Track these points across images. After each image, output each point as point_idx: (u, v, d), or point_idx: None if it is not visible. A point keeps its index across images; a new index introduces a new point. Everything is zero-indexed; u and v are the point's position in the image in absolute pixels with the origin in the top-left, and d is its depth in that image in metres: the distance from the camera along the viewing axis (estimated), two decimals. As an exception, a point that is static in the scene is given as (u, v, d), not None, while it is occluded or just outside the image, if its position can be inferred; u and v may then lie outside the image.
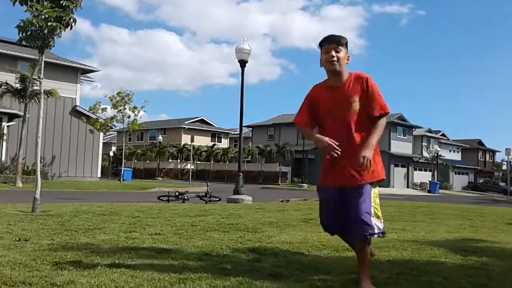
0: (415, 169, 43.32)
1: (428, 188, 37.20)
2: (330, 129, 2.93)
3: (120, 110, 26.86)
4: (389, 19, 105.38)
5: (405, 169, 41.70)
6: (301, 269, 3.23)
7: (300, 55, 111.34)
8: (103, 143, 30.57)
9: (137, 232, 5.06)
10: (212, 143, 50.74)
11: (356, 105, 2.88)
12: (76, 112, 25.93)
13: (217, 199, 12.20)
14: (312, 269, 3.24)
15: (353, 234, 2.87)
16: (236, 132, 45.78)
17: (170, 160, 47.58)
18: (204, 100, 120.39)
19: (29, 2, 7.27)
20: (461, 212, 10.23)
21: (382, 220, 2.93)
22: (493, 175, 60.34)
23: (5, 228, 5.03)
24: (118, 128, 30.24)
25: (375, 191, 2.91)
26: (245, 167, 37.33)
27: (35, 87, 18.92)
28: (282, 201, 12.42)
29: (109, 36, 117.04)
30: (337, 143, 2.79)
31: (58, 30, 7.37)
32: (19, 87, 19.91)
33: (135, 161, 48.37)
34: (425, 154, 43.92)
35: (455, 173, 50.49)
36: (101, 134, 27.52)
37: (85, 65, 27.31)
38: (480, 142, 60.81)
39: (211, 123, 54.54)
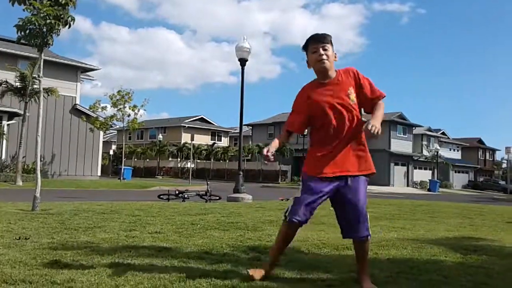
0: (415, 168, 43.33)
1: (428, 187, 37.16)
2: (323, 124, 2.85)
3: (120, 108, 26.85)
4: (390, 17, 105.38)
5: (405, 168, 41.71)
6: (301, 268, 3.23)
7: (301, 54, 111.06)
8: (103, 141, 30.55)
9: (137, 230, 5.06)
10: (212, 141, 50.70)
11: (353, 96, 2.86)
12: (76, 111, 25.93)
13: (217, 197, 12.20)
14: (312, 268, 3.25)
15: (358, 234, 2.80)
16: (236, 131, 45.74)
17: (170, 159, 47.58)
18: (204, 99, 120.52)
19: (27, 1, 7.26)
20: (461, 210, 10.24)
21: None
22: (493, 174, 60.35)
23: (5, 227, 5.03)
24: (118, 126, 30.20)
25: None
26: (245, 165, 37.31)
27: (35, 86, 18.91)
28: (282, 200, 12.41)
29: (109, 34, 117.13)
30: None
31: (57, 28, 7.36)
32: (19, 86, 19.90)
33: (135, 159, 48.36)
34: (425, 152, 43.92)
35: (455, 172, 50.49)
36: (101, 132, 27.51)
37: (85, 64, 27.30)
38: (480, 141, 60.79)
39: (211, 122, 54.51)
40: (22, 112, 19.82)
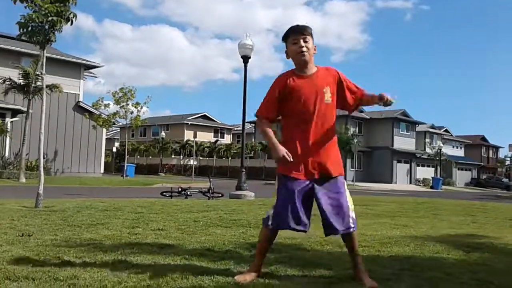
0: (418, 165, 43.26)
1: (431, 184, 37.12)
2: (299, 119, 2.80)
3: (123, 106, 26.91)
4: (393, 14, 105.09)
5: (408, 165, 41.64)
6: (303, 265, 3.23)
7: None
8: (106, 139, 30.62)
9: (140, 227, 5.08)
10: (215, 139, 50.70)
11: (329, 96, 2.84)
12: (79, 108, 25.97)
13: (220, 195, 12.20)
14: (314, 265, 3.24)
15: (338, 228, 2.76)
16: (239, 128, 45.67)
17: (173, 156, 47.66)
18: (207, 96, 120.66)
19: (28, -1, 7.27)
20: (464, 208, 10.22)
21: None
22: (496, 171, 60.20)
23: (8, 224, 5.05)
24: (121, 124, 30.31)
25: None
26: (248, 163, 37.33)
27: (38, 83, 18.95)
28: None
29: (112, 31, 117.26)
30: (299, 153, 2.76)
31: (59, 25, 7.36)
32: (22, 83, 19.94)
33: (138, 157, 48.48)
34: (428, 150, 43.81)
35: (458, 169, 50.41)
36: (104, 130, 27.55)
37: (88, 61, 27.32)
38: (483, 138, 60.63)
39: (214, 119, 54.52)
40: (25, 109, 19.88)
